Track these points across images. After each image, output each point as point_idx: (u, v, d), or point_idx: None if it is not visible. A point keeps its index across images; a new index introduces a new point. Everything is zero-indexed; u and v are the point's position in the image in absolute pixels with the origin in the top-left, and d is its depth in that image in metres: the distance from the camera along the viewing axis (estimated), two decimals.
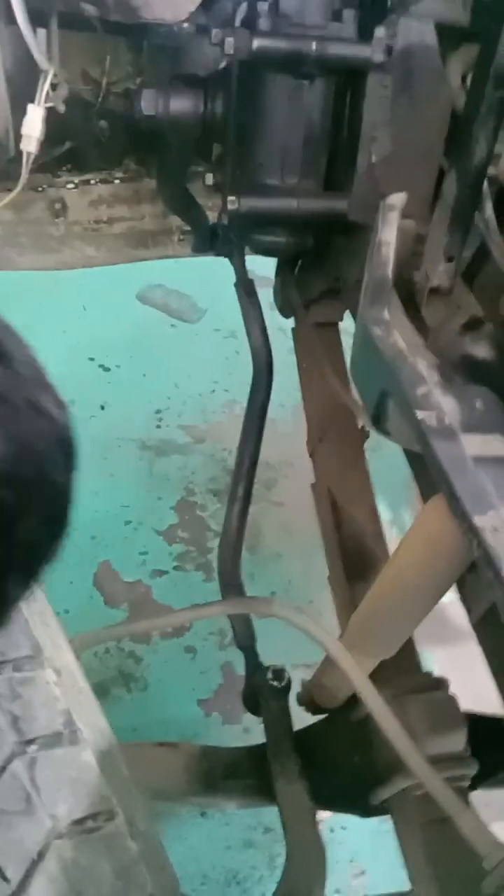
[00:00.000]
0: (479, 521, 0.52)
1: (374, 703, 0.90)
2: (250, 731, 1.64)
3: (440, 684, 1.12)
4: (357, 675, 0.91)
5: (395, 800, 1.06)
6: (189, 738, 1.71)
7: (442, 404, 0.62)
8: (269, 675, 1.12)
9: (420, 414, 0.60)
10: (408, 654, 1.15)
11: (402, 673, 1.12)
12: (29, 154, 0.92)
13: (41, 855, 0.54)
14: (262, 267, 1.41)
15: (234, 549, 1.19)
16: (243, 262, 1.31)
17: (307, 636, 0.97)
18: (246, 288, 1.28)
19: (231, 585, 1.14)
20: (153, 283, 2.99)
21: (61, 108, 0.98)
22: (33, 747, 0.56)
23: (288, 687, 1.13)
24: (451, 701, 1.10)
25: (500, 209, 0.94)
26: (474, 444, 0.60)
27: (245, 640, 1.16)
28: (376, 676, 1.11)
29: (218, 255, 1.32)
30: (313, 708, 1.23)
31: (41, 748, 0.56)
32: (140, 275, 2.95)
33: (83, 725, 0.59)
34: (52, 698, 0.59)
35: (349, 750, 1.11)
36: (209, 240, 1.12)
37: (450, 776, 1.03)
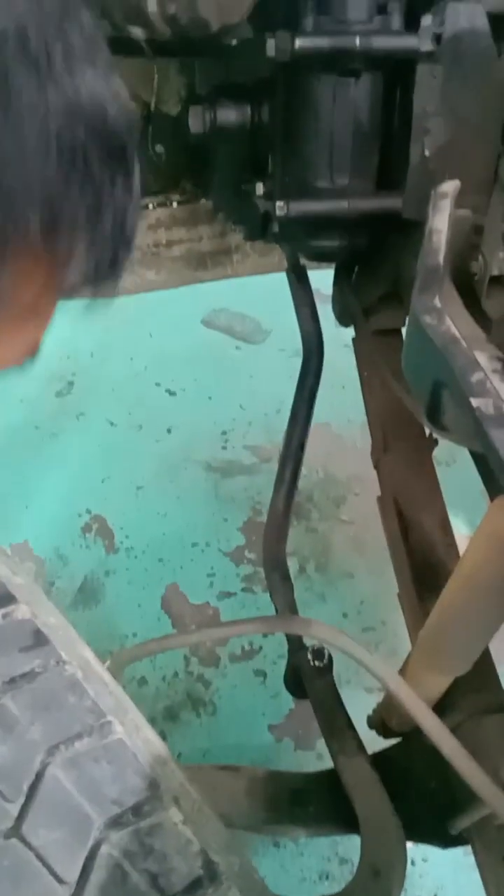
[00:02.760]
0: None
1: (432, 726, 0.84)
2: (323, 758, 1.58)
3: None
4: (411, 700, 0.85)
5: (476, 829, 0.99)
6: (261, 764, 1.67)
7: (500, 391, 0.57)
8: (309, 655, 1.08)
9: (475, 401, 0.56)
10: (485, 669, 1.08)
11: (479, 690, 1.05)
12: None
13: None
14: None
15: (280, 532, 1.18)
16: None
17: (355, 662, 0.92)
18: (297, 273, 1.28)
19: (276, 569, 1.12)
20: (218, 308, 3.01)
21: None
22: None
23: (330, 664, 1.09)
24: None
25: None
26: None
27: None
28: (451, 695, 1.05)
29: (269, 241, 1.31)
30: (385, 732, 1.17)
31: None
32: (205, 300, 2.98)
33: (220, 859, 0.55)
34: (185, 842, 0.54)
35: (425, 776, 1.05)
36: (260, 226, 1.11)
37: None
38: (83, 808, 0.53)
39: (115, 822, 0.53)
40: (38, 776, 0.53)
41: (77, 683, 0.57)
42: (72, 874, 0.51)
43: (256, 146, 1.13)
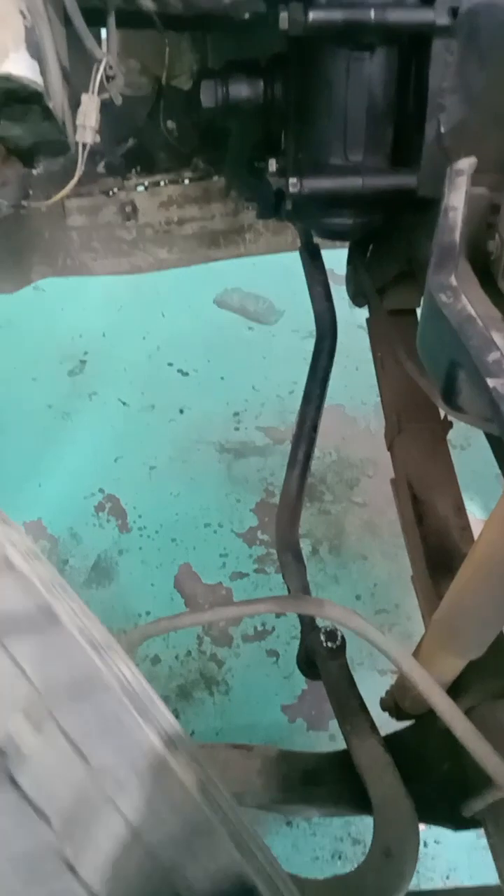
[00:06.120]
0: None
1: (445, 708, 0.83)
2: (336, 738, 1.59)
3: None
4: (425, 682, 0.85)
5: (489, 812, 1.00)
6: (273, 744, 1.68)
7: None
8: (322, 637, 1.08)
9: (492, 382, 0.55)
10: (500, 653, 1.08)
11: (494, 674, 1.04)
12: (84, 144, 0.91)
13: None
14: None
15: (293, 514, 1.18)
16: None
17: (367, 641, 0.91)
18: (310, 252, 1.27)
19: (288, 551, 1.11)
20: (230, 288, 2.99)
21: (118, 100, 0.96)
22: None
23: (343, 646, 1.09)
24: None
25: None
26: None
27: None
28: (465, 678, 1.05)
29: (282, 219, 1.30)
30: (398, 714, 1.17)
31: None
32: (217, 280, 2.97)
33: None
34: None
35: (438, 758, 1.05)
36: (274, 204, 1.10)
37: None
38: None
39: None
40: None
41: None
42: None
43: (269, 122, 1.11)
